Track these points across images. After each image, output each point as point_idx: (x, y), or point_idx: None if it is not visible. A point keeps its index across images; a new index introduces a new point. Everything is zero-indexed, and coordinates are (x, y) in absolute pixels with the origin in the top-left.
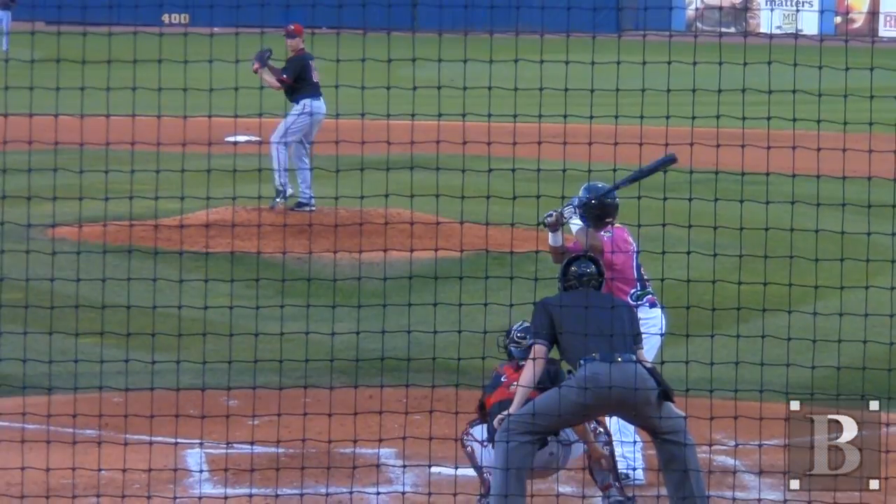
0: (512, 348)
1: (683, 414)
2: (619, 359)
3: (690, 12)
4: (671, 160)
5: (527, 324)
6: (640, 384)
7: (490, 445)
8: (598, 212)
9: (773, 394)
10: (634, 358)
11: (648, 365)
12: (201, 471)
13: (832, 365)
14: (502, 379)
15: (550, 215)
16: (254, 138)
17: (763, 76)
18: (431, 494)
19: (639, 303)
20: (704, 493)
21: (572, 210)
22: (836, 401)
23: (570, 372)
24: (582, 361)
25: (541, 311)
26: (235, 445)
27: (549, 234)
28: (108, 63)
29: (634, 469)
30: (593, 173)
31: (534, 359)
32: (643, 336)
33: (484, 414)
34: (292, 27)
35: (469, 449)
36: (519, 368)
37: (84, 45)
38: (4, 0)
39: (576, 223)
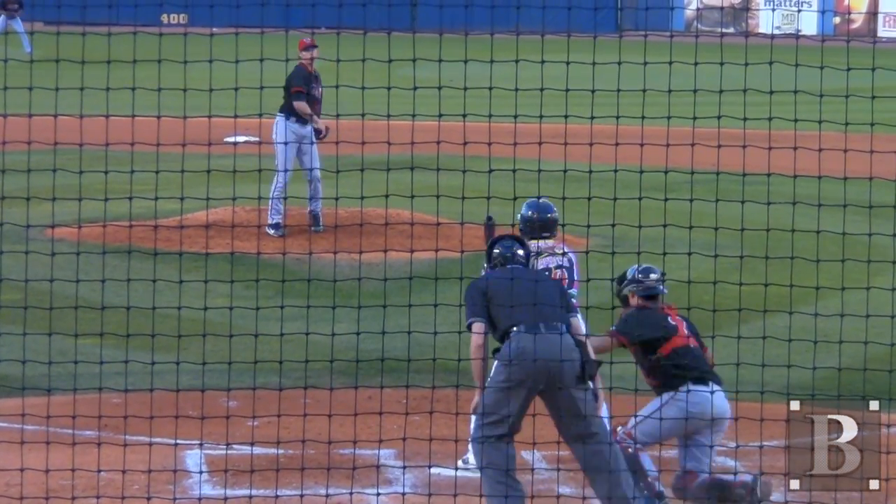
0: (634, 288)
1: (608, 415)
2: (545, 329)
3: (690, 12)
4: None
5: (644, 265)
6: (565, 354)
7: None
8: (538, 226)
9: (773, 395)
10: (562, 327)
11: (581, 337)
12: (201, 472)
13: (833, 366)
14: None
15: None
16: (253, 139)
17: (762, 76)
18: (431, 495)
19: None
20: (633, 494)
21: None
22: (837, 402)
23: (496, 351)
24: (510, 336)
25: (474, 292)
26: (235, 446)
27: None
28: (108, 63)
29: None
30: (594, 174)
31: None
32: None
33: None
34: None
35: (630, 450)
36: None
37: (83, 45)
38: (7, 7)
39: None
